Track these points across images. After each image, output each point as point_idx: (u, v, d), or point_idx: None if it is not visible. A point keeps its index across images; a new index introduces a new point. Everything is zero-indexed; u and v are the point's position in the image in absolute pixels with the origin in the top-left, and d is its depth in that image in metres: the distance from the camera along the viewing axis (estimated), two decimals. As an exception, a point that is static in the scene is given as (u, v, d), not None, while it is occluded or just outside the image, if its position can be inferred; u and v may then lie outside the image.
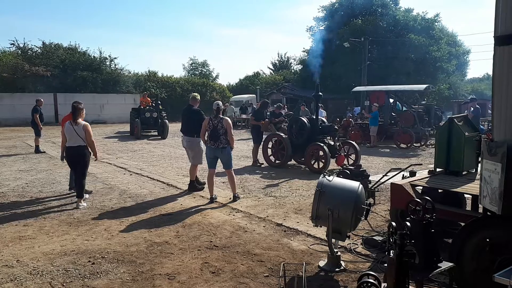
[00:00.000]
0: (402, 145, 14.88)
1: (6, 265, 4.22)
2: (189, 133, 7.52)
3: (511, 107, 3.14)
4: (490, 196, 3.30)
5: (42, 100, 13.65)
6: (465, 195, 4.95)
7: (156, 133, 19.00)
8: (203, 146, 7.46)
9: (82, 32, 76.20)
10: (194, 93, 8.13)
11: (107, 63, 33.31)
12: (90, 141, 6.64)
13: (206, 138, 7.01)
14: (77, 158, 6.62)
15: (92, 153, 6.83)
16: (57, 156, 12.32)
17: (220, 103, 7.27)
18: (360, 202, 4.07)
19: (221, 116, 6.91)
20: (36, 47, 31.27)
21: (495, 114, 3.37)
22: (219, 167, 7.30)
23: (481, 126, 12.30)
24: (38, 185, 8.22)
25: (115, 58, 34.10)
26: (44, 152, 13.06)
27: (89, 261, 4.33)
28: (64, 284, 3.82)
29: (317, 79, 11.97)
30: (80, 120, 6.61)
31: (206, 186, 7.35)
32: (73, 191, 7.32)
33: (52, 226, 5.57)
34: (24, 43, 31.05)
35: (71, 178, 7.54)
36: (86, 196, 6.98)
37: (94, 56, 32.57)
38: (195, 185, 7.67)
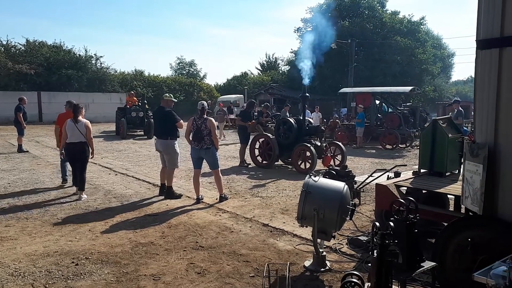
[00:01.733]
0: (388, 146, 15.06)
1: (-13, 267, 4.14)
2: (163, 135, 7.18)
3: (492, 109, 3.21)
4: (471, 196, 3.36)
5: (25, 98, 13.41)
6: (448, 196, 5.04)
7: (142, 133, 18.84)
8: (178, 149, 7.29)
9: (67, 30, 75.18)
10: (167, 94, 7.79)
11: (93, 61, 32.82)
12: (89, 138, 7.14)
13: (190, 139, 6.95)
14: (78, 153, 7.11)
15: (90, 149, 7.24)
16: (41, 155, 12.14)
17: (205, 103, 7.11)
18: (345, 203, 4.11)
19: (205, 116, 6.87)
20: (20, 44, 30.62)
21: (477, 116, 3.44)
22: (205, 167, 7.27)
23: (465, 128, 12.49)
24: (21, 185, 8.07)
25: (101, 56, 33.68)
26: (27, 151, 12.83)
27: (73, 262, 4.27)
28: (47, 286, 3.76)
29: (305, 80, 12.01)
30: (81, 118, 7.10)
31: (191, 187, 7.29)
32: (65, 184, 7.95)
33: (34, 226, 5.47)
34: (7, 40, 30.35)
35: (64, 170, 8.09)
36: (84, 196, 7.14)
37: (79, 55, 32.04)
38: (172, 192, 7.19)
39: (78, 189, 7.18)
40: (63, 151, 7.29)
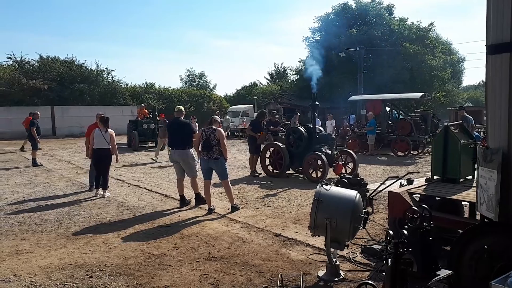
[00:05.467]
0: (400, 153, 14.92)
1: (3, 280, 4.18)
2: (180, 145, 7.27)
3: (504, 114, 3.18)
4: (486, 203, 3.32)
5: (38, 113, 13.69)
6: (463, 202, 4.96)
7: (153, 145, 18.95)
8: (195, 157, 7.41)
9: (79, 45, 76.58)
10: (179, 106, 7.97)
11: (104, 75, 33.45)
12: (113, 145, 8.46)
13: (200, 150, 7.00)
14: (103, 157, 8.39)
15: (114, 156, 8.52)
16: (55, 169, 12.32)
17: (217, 117, 7.26)
18: (358, 211, 4.08)
19: (213, 127, 6.92)
20: (33, 60, 31.41)
21: (489, 122, 3.41)
22: (216, 177, 7.29)
23: (476, 133, 12.32)
24: (35, 198, 8.18)
25: (112, 70, 34.31)
26: (42, 165, 13.02)
27: (87, 275, 4.30)
28: (62, 298, 3.79)
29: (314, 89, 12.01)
30: (110, 129, 8.47)
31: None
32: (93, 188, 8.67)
33: (49, 239, 5.54)
34: (21, 57, 31.20)
35: (91, 178, 8.89)
36: (101, 192, 8.35)
37: (91, 69, 32.70)
38: (201, 197, 7.38)
39: (102, 188, 8.33)
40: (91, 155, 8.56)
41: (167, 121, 15.72)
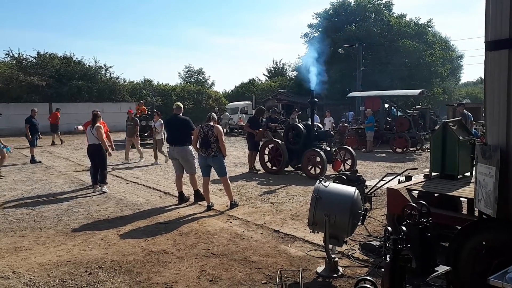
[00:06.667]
0: (398, 150, 14.94)
1: (2, 277, 4.19)
2: (180, 142, 7.28)
3: (503, 111, 3.18)
4: (485, 199, 3.32)
5: (36, 110, 13.65)
6: (461, 199, 4.98)
7: (151, 141, 18.94)
8: (195, 154, 7.42)
9: (77, 42, 76.29)
10: (178, 102, 7.96)
11: (102, 72, 33.35)
12: (101, 139, 8.29)
13: (198, 147, 6.99)
14: (94, 153, 8.42)
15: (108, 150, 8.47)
16: (53, 165, 12.30)
17: (214, 114, 7.23)
18: (356, 207, 4.09)
19: (211, 124, 6.90)
20: (31, 57, 31.24)
21: (487, 118, 3.41)
22: (215, 174, 7.29)
23: (474, 130, 12.36)
24: (34, 195, 8.18)
25: (110, 67, 34.31)
26: (40, 162, 13.00)
27: (86, 271, 4.31)
28: (61, 295, 3.79)
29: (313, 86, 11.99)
30: (97, 124, 8.32)
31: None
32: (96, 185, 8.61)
33: (48, 236, 5.54)
34: (19, 53, 31.03)
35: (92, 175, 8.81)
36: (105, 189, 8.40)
37: (89, 65, 32.58)
38: (200, 194, 7.37)
39: (100, 183, 8.38)
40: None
41: (136, 118, 15.38)
